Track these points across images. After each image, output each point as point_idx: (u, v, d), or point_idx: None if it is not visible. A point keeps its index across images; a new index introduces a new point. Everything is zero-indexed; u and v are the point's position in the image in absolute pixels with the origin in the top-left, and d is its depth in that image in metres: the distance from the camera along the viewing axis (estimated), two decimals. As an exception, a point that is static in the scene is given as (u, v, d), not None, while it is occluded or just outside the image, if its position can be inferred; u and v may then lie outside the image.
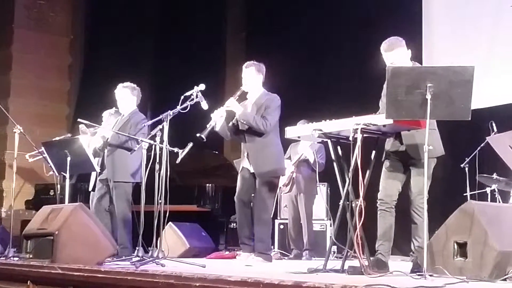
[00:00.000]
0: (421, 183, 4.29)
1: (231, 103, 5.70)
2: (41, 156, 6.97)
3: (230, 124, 5.89)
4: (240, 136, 5.88)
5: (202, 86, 5.45)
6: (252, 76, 5.85)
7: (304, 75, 9.23)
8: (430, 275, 3.72)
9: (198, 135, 5.46)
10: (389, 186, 4.60)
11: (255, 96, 5.90)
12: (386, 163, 4.65)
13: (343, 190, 4.48)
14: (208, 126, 5.55)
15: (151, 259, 5.00)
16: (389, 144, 4.61)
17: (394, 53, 4.57)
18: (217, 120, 5.66)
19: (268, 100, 5.84)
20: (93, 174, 6.79)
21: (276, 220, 8.13)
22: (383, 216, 4.59)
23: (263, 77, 5.93)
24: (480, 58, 7.19)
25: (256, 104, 5.85)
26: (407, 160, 4.59)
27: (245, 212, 5.80)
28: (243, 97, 5.90)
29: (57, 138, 6.95)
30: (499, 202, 6.57)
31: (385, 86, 4.13)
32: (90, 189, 6.90)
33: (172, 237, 7.17)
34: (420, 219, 4.37)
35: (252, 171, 5.78)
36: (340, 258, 4.79)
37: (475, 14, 7.56)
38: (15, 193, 6.97)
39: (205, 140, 5.47)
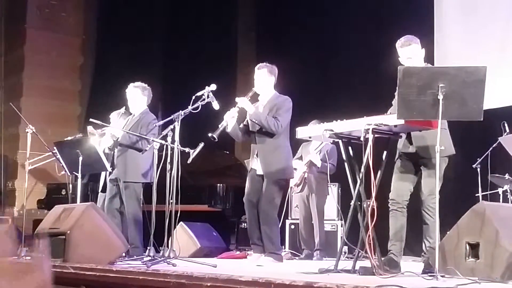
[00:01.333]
0: (432, 183, 4.28)
1: (243, 102, 5.69)
2: (42, 163, 7.00)
3: (241, 125, 5.89)
4: (251, 136, 5.87)
5: (213, 86, 5.46)
6: (264, 77, 5.83)
7: (314, 75, 9.21)
8: (442, 276, 3.72)
9: (210, 134, 5.45)
10: (400, 186, 4.60)
11: (267, 98, 5.88)
12: (398, 164, 4.65)
13: (354, 191, 4.47)
14: (220, 126, 5.54)
15: (162, 258, 5.01)
16: (401, 144, 4.61)
17: (411, 48, 4.58)
18: (229, 121, 5.65)
19: (280, 102, 5.81)
20: (103, 175, 6.81)
21: (287, 220, 8.12)
22: (394, 216, 4.59)
23: (275, 79, 5.90)
24: (492, 59, 7.14)
25: (267, 105, 5.83)
26: (417, 160, 4.59)
27: (254, 213, 5.78)
28: (254, 98, 5.90)
29: (69, 138, 6.98)
30: (511, 203, 6.54)
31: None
32: (99, 190, 6.92)
33: (183, 236, 7.19)
34: (432, 220, 4.36)
35: (260, 172, 5.76)
36: (352, 258, 4.77)
37: (487, 15, 7.52)
38: (27, 193, 7.02)
39: (216, 140, 5.47)
